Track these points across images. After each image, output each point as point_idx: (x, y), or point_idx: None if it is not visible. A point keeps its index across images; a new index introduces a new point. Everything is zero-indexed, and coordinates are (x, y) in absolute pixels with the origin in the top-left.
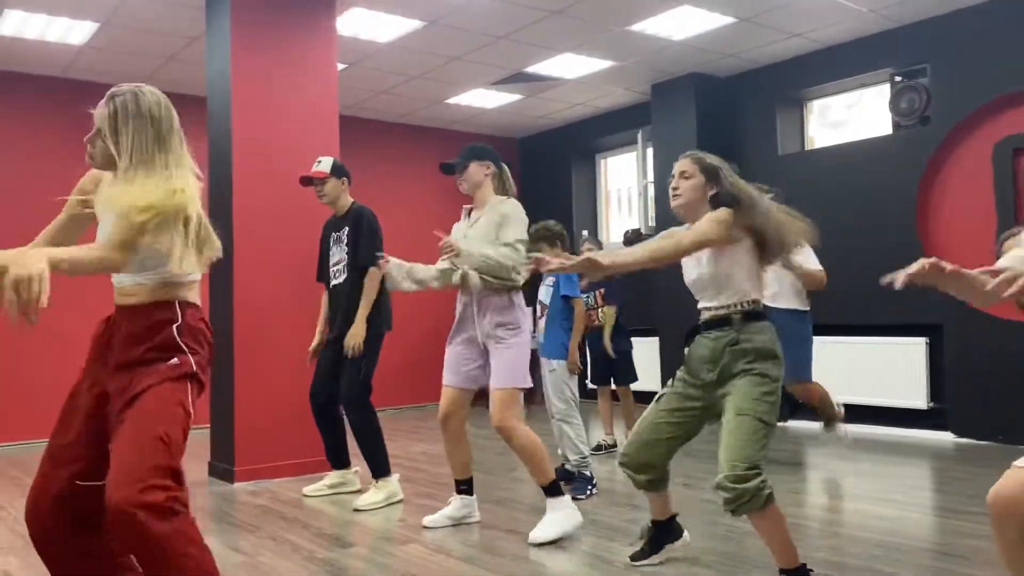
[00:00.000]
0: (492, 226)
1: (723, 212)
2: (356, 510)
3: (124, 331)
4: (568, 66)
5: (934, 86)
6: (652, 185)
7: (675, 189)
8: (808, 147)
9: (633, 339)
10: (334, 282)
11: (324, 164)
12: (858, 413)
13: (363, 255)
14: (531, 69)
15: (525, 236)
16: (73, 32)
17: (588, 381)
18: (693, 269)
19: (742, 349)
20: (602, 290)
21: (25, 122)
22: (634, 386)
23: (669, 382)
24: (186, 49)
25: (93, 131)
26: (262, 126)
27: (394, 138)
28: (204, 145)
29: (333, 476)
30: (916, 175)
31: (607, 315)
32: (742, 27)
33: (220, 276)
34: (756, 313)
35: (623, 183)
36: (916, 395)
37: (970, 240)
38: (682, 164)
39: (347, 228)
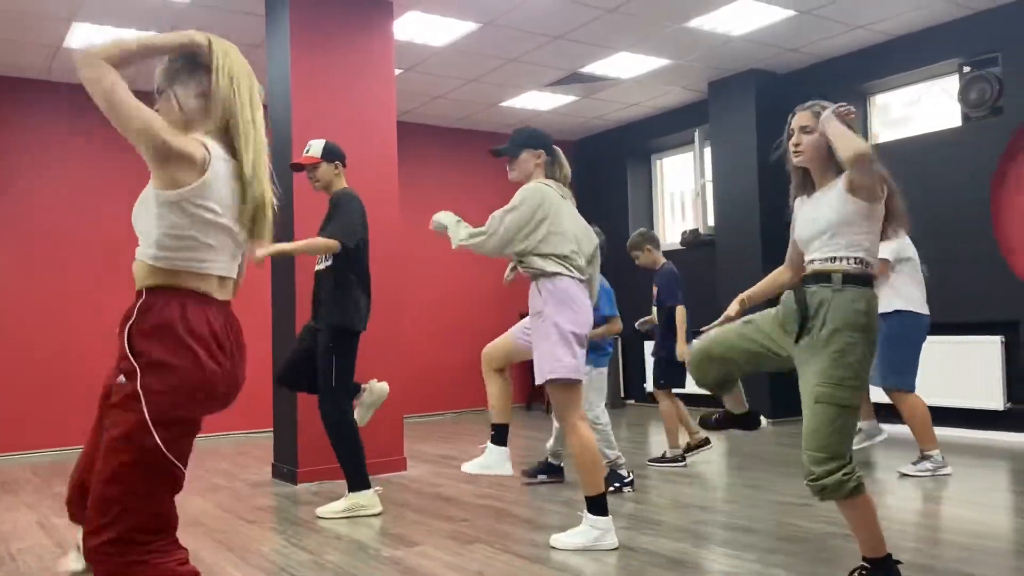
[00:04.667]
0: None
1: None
2: (318, 517)
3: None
4: (624, 65)
5: (1007, 75)
6: (710, 184)
7: (797, 145)
8: (872, 142)
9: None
10: (317, 267)
11: (314, 148)
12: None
13: (329, 229)
14: (587, 69)
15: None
16: None
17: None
18: (811, 219)
19: (832, 315)
20: (653, 288)
21: (87, 134)
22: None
23: (764, 312)
24: (247, 57)
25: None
26: (322, 133)
27: (449, 143)
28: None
29: None
30: (989, 167)
31: (679, 317)
32: (803, 20)
33: (283, 280)
34: (860, 276)
35: (678, 184)
36: (992, 396)
37: None
38: (801, 118)
39: (329, 211)
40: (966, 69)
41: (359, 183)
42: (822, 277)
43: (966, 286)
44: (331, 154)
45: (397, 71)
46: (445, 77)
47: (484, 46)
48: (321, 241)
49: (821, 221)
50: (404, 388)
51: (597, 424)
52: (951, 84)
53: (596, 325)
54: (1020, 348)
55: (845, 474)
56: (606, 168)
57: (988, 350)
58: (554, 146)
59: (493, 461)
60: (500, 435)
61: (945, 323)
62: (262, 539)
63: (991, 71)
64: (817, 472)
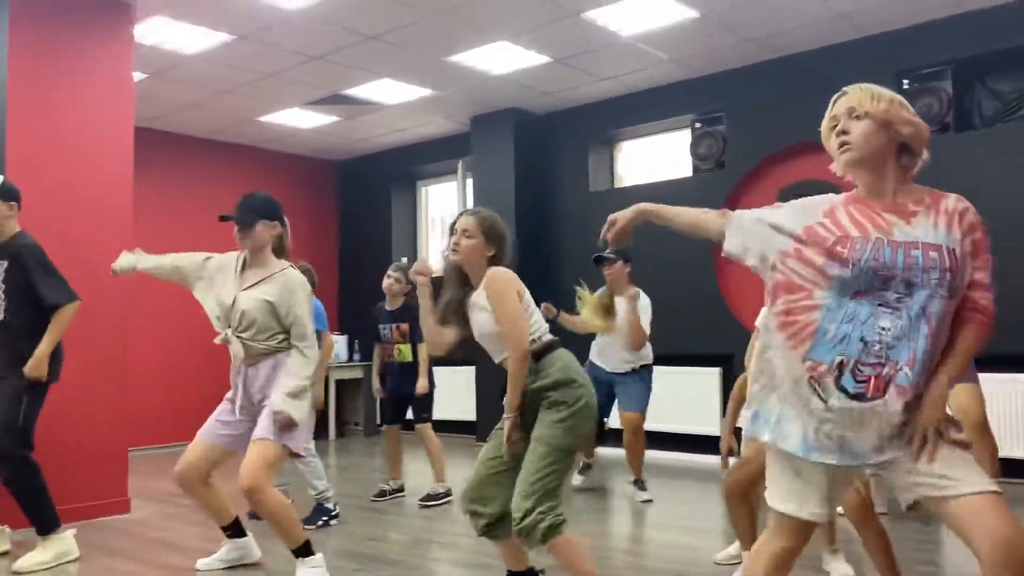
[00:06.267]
0: (277, 299)
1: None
2: (15, 573)
3: None
4: (387, 91)
5: (729, 133)
6: None
7: (456, 245)
8: (617, 185)
9: (452, 369)
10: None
11: None
12: (657, 439)
13: (51, 295)
14: (349, 92)
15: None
16: None
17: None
18: (486, 325)
19: (541, 386)
20: (404, 325)
21: None
22: (454, 416)
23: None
24: None
25: None
26: (44, 137)
27: (202, 154)
28: None
29: None
30: None
31: (421, 354)
32: (557, 67)
33: None
34: (542, 349)
35: (445, 210)
36: (711, 422)
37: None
38: (463, 221)
39: (5, 262)
40: (697, 125)
41: (87, 193)
42: None
43: (690, 322)
44: (6, 193)
45: (141, 76)
46: (197, 86)
47: (239, 59)
48: (66, 318)
49: None
50: (130, 417)
51: (307, 451)
52: (686, 138)
53: None
54: (735, 379)
55: (541, 514)
56: (370, 191)
57: (708, 381)
58: (285, 221)
59: (238, 555)
60: (237, 529)
61: (671, 356)
62: None
63: (718, 129)
64: (519, 513)
